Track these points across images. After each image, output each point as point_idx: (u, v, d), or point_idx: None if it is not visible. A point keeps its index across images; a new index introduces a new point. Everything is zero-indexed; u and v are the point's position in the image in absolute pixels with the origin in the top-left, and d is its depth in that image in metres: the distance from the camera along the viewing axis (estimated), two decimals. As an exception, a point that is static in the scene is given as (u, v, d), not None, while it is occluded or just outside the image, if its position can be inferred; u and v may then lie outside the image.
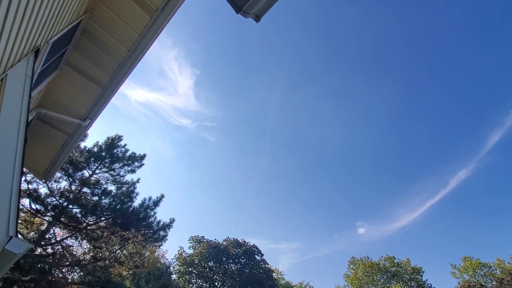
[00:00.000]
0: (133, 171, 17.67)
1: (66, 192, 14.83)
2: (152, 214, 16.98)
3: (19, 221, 14.49)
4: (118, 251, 17.61)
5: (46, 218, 15.13)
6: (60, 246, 15.42)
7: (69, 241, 16.30)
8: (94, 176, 16.72)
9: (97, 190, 16.03)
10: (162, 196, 17.41)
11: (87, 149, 16.63)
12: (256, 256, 35.70)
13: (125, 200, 16.34)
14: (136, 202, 16.84)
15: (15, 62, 3.10)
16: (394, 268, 38.64)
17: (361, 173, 61.15)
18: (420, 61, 49.84)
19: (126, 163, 17.54)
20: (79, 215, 15.33)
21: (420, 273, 37.41)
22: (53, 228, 15.45)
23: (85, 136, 15.41)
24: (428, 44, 48.32)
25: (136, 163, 17.78)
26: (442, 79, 50.29)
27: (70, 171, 15.65)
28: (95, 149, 16.83)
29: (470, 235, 53.34)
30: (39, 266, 12.22)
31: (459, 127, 52.47)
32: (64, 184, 15.66)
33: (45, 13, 3.18)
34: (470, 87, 49.24)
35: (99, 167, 16.99)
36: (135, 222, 16.17)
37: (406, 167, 58.05)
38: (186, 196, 66.78)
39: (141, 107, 54.98)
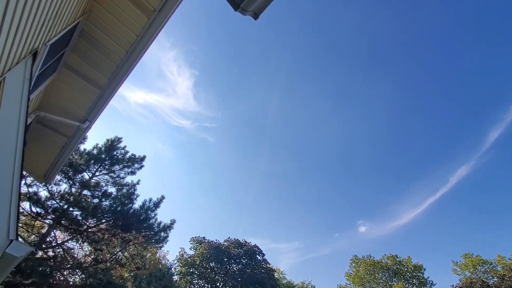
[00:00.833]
0: (133, 173, 17.65)
1: (66, 195, 14.81)
2: (153, 215, 16.98)
3: (20, 225, 14.47)
4: (119, 253, 17.60)
5: (47, 221, 15.10)
6: (61, 249, 15.40)
7: (70, 244, 16.29)
8: (94, 178, 16.70)
9: (97, 192, 16.00)
10: (163, 197, 17.42)
11: (86, 151, 16.61)
12: (257, 256, 35.71)
13: (126, 202, 16.33)
14: (137, 204, 16.86)
15: (13, 65, 3.09)
16: (395, 266, 38.68)
17: (362, 172, 61.23)
18: (419, 59, 49.91)
19: (126, 165, 17.52)
20: (79, 218, 15.31)
21: (422, 271, 37.46)
22: (54, 231, 15.42)
23: (85, 138, 15.39)
24: (427, 42, 48.39)
25: (136, 165, 17.76)
26: (441, 76, 50.36)
27: (70, 173, 15.63)
28: (95, 151, 16.81)
29: (471, 231, 53.37)
30: (40, 269, 12.21)
31: (458, 124, 52.58)
32: (64, 186, 15.65)
33: (42, 15, 3.17)
34: (468, 84, 49.33)
35: (99, 169, 16.97)
36: (136, 223, 16.16)
37: (406, 165, 58.14)
38: (187, 197, 66.82)
39: (140, 108, 55.01)
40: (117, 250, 17.34)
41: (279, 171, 63.51)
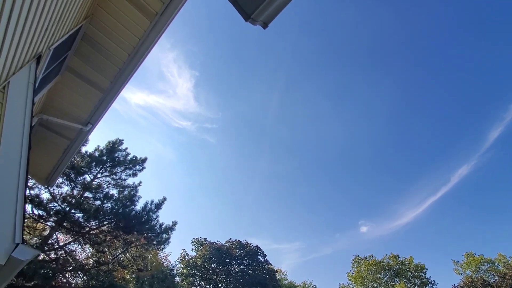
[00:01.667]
0: (134, 175, 17.68)
1: (68, 197, 14.83)
2: (155, 217, 16.99)
3: (22, 227, 14.46)
4: (121, 254, 17.60)
5: (49, 223, 15.12)
6: (63, 251, 15.42)
7: (72, 246, 16.32)
8: (95, 180, 16.73)
9: (99, 195, 16.03)
10: (164, 199, 17.43)
11: (88, 153, 16.64)
12: (259, 256, 35.69)
13: (127, 203, 16.34)
14: (138, 206, 16.87)
15: (17, 69, 3.11)
16: (397, 266, 38.61)
17: (362, 172, 61.19)
18: (419, 58, 49.93)
19: (127, 166, 17.54)
20: (81, 220, 15.33)
21: (424, 270, 37.37)
22: (56, 233, 15.45)
23: (86, 140, 15.41)
24: (427, 41, 48.40)
25: (137, 167, 17.78)
26: (441, 75, 50.35)
27: (72, 176, 15.66)
28: (96, 154, 16.84)
29: (472, 231, 53.25)
30: (42, 271, 12.22)
31: (459, 123, 52.55)
32: (66, 189, 15.68)
33: (46, 20, 3.19)
34: (469, 82, 49.32)
35: (101, 171, 17.00)
36: (138, 225, 16.17)
37: (407, 165, 58.10)
38: (188, 198, 66.86)
39: (141, 110, 55.14)
40: (119, 252, 17.36)
41: (279, 171, 63.58)
